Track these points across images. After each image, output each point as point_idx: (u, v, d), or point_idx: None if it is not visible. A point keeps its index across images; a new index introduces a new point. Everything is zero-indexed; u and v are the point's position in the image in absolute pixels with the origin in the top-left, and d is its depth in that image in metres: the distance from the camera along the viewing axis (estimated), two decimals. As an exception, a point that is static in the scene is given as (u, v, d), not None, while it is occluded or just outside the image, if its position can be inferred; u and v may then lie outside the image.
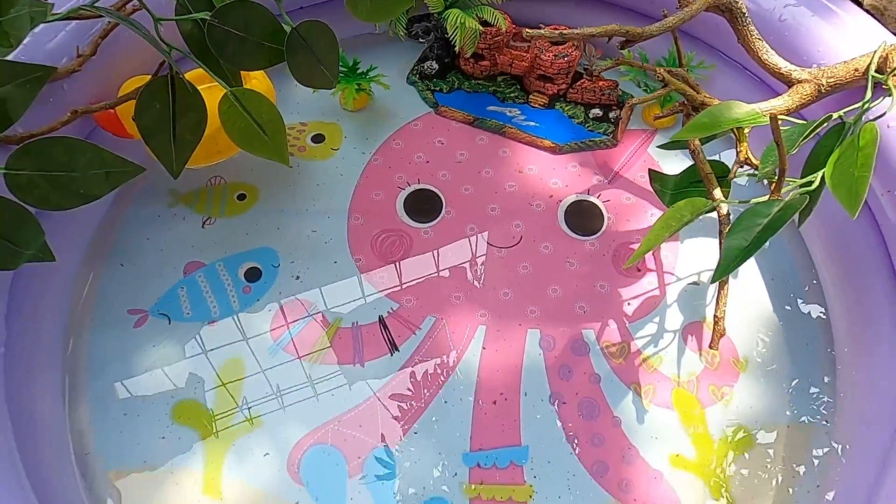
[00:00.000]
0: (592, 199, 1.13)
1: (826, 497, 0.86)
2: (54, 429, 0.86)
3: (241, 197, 1.12)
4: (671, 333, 1.00)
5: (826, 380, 0.96)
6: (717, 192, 0.86)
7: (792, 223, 1.05)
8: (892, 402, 0.86)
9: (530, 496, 0.88)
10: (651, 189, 1.03)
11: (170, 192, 1.12)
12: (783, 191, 0.80)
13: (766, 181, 0.85)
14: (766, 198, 0.80)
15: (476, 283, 1.04)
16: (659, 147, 1.13)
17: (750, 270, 1.05)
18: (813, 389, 0.95)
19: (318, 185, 1.14)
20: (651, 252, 1.07)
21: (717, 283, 0.88)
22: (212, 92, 0.85)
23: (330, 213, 1.10)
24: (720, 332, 0.84)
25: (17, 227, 0.74)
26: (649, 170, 1.01)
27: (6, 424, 0.76)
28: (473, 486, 0.88)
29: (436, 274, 1.05)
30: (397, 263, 1.05)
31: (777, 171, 0.78)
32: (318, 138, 1.19)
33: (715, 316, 0.84)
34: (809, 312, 1.01)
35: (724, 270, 0.71)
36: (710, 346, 0.85)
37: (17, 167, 0.72)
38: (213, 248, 1.06)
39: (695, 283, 1.05)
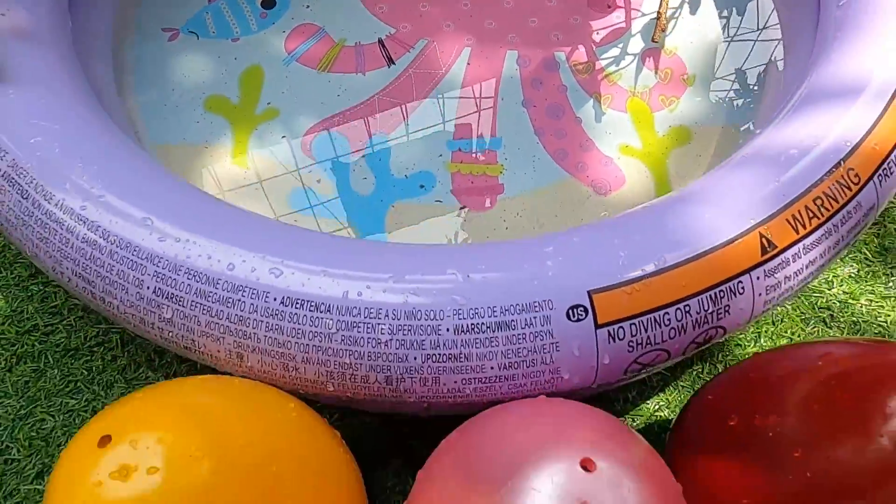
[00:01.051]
0: (572, -53, 1.25)
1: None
2: (113, 104, 1.03)
3: (256, -57, 1.25)
4: (632, 56, 1.16)
5: (758, 91, 1.12)
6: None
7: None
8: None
9: (501, 172, 1.07)
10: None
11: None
12: None
13: None
14: None
15: (465, 13, 1.19)
16: None
17: (706, 6, 1.19)
18: (748, 99, 1.12)
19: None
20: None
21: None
22: None
23: (335, -44, 1.23)
24: (662, 27, 0.99)
25: None
26: None
27: (87, 88, 0.92)
28: (455, 164, 1.07)
29: (428, 8, 1.19)
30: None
31: None
32: None
33: (658, 12, 0.99)
34: (751, 39, 1.16)
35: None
36: (653, 39, 1.01)
37: None
38: (233, -19, 1.21)
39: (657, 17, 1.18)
